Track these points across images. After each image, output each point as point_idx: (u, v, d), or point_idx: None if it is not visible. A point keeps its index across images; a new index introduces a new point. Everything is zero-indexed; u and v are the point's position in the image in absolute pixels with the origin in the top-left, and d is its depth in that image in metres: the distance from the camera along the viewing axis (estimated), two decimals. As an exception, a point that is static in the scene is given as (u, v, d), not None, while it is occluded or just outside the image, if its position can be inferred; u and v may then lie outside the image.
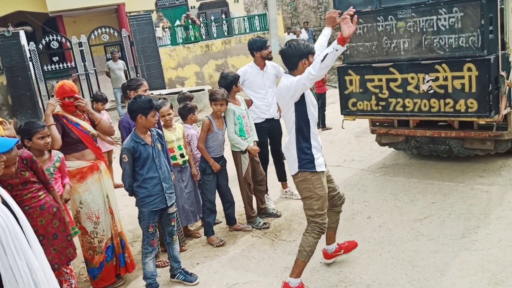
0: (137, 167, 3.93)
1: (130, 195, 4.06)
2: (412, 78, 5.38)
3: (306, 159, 3.58)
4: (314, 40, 19.01)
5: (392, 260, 4.12)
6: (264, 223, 5.20)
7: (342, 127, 6.75)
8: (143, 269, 4.12)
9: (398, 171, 6.30)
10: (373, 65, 5.60)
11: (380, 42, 5.55)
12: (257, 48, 5.44)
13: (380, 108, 5.70)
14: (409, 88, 5.42)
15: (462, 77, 5.11)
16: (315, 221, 3.65)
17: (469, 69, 5.02)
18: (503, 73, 5.04)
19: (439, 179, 5.74)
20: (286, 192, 5.94)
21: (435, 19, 5.12)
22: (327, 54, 3.20)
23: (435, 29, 5.18)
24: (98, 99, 6.84)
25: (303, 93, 3.48)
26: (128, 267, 4.44)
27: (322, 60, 3.21)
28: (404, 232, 4.58)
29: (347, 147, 7.82)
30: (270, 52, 5.50)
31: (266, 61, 5.54)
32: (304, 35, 17.33)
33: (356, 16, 3.32)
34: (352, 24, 3.21)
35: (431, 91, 5.32)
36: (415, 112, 5.47)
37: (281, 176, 5.95)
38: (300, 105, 3.50)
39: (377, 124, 6.31)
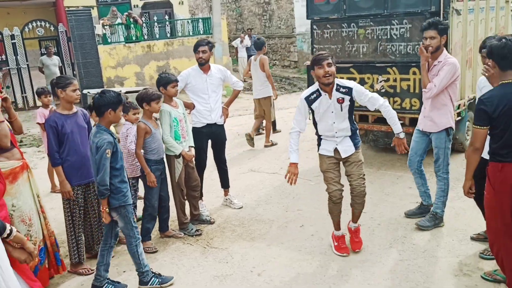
0: (113, 162, 3.77)
1: (105, 196, 3.74)
2: (368, 78, 6.25)
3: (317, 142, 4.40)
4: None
5: (321, 269, 4.15)
6: (197, 230, 5.09)
7: (309, 119, 6.84)
8: (142, 260, 3.98)
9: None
10: (337, 65, 6.03)
11: (343, 46, 6.41)
12: (194, 51, 5.35)
13: None
14: (365, 86, 5.90)
15: (408, 79, 5.97)
16: (326, 190, 4.36)
17: (414, 73, 5.91)
18: None
19: (371, 189, 5.87)
20: (226, 199, 5.84)
21: (389, 29, 6.04)
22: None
23: (389, 37, 6.06)
24: (41, 92, 6.48)
25: (313, 112, 4.21)
26: (63, 266, 4.28)
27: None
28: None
29: (284, 154, 7.85)
30: (201, 58, 5.26)
31: (212, 65, 5.41)
32: (247, 41, 17.37)
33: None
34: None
35: (383, 90, 6.11)
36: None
37: (223, 183, 5.84)
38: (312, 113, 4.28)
39: None
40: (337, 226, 4.47)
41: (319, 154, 4.33)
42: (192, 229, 5.09)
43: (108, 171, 3.73)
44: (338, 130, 4.15)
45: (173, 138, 4.84)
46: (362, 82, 6.12)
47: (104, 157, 3.68)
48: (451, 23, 5.81)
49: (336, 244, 4.44)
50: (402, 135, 4.25)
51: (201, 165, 5.47)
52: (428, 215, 4.77)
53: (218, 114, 5.46)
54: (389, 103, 5.59)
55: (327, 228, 4.90)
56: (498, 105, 3.20)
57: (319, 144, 4.35)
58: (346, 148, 4.21)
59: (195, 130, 5.27)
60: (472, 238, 4.45)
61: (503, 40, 3.29)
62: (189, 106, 5.35)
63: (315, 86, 4.13)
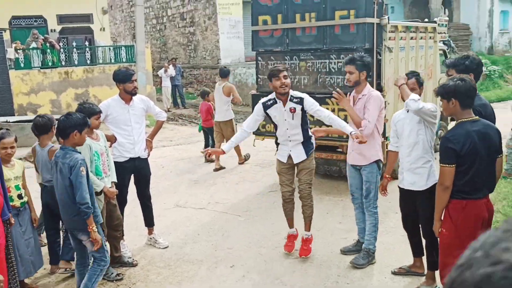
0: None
1: (88, 215, 3.74)
2: None
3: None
4: (182, 76, 18.89)
5: (255, 314, 3.90)
6: (118, 274, 4.65)
7: (254, 145, 7.60)
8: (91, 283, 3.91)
9: (262, 214, 6.22)
10: None
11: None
12: (120, 80, 4.92)
13: None
14: (307, 115, 6.04)
15: (345, 110, 5.92)
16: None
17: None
18: None
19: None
20: (150, 239, 5.43)
21: (327, 62, 6.37)
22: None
23: (327, 70, 6.42)
24: None
25: (270, 116, 4.74)
26: None
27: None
28: (268, 283, 4.40)
29: (212, 188, 7.59)
30: (135, 88, 4.96)
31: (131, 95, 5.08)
32: (171, 71, 17.08)
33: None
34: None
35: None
36: None
37: (148, 222, 5.44)
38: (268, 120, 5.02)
39: None
40: (290, 223, 5.07)
41: (276, 158, 4.96)
42: (112, 273, 4.63)
43: (86, 188, 3.73)
44: (291, 135, 4.69)
45: (94, 173, 4.41)
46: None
47: (80, 175, 3.68)
48: (384, 59, 6.29)
49: (286, 240, 5.09)
50: (354, 132, 4.34)
51: (122, 202, 5.06)
52: (362, 252, 4.70)
53: (142, 147, 5.12)
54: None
55: (259, 268, 4.68)
56: (465, 143, 3.25)
57: (277, 149, 5.02)
58: (298, 154, 4.76)
59: (117, 165, 4.88)
60: (394, 273, 4.45)
61: (467, 80, 3.35)
62: (110, 139, 4.96)
63: (273, 95, 4.68)
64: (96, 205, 3.96)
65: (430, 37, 7.76)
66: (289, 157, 4.79)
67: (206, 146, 9.36)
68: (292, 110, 4.59)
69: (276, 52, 6.87)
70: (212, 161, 9.09)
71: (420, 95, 4.11)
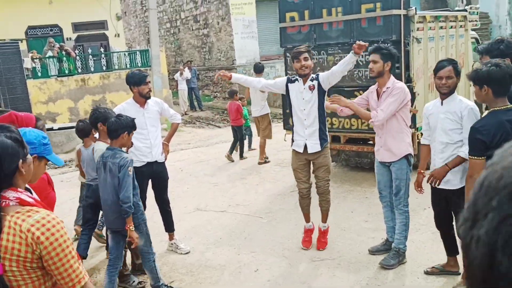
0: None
1: (129, 214, 3.85)
2: None
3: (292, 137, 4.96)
4: (198, 79, 18.82)
5: (282, 321, 3.72)
6: (139, 282, 4.53)
7: (285, 140, 7.73)
8: (159, 274, 4.19)
9: (285, 215, 6.04)
10: None
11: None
12: (134, 83, 4.79)
13: None
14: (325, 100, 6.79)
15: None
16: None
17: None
18: None
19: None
20: (171, 244, 5.30)
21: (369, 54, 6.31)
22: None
23: (355, 63, 6.12)
24: None
25: (289, 93, 4.77)
26: None
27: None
28: None
29: (231, 190, 7.44)
30: (150, 90, 4.84)
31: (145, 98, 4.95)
32: (187, 73, 17.01)
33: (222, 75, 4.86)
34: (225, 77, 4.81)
35: (351, 113, 6.07)
36: (340, 129, 6.88)
37: (167, 227, 5.31)
38: (286, 97, 4.88)
39: None
40: (306, 218, 5.10)
41: (292, 149, 4.90)
42: (134, 281, 4.52)
43: (131, 188, 3.83)
44: (307, 118, 4.65)
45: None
46: None
47: (127, 175, 3.80)
48: (412, 50, 6.35)
49: (303, 235, 5.10)
50: (354, 54, 4.42)
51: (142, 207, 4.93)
52: (391, 252, 4.48)
53: (159, 151, 4.99)
54: (357, 124, 6.71)
55: (284, 272, 4.51)
56: (496, 133, 3.03)
57: (293, 140, 4.88)
58: (313, 145, 4.70)
59: (135, 170, 4.75)
60: (427, 273, 4.22)
61: (502, 65, 3.10)
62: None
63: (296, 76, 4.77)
64: (140, 203, 4.10)
65: (461, 25, 7.72)
66: (305, 147, 4.76)
67: (233, 146, 9.38)
68: (311, 87, 4.64)
69: None
70: (232, 161, 9.17)
71: (457, 84, 3.84)
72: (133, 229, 3.88)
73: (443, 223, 4.05)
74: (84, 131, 4.91)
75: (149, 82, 4.86)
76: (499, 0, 20.92)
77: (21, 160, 1.78)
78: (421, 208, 5.73)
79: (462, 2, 21.59)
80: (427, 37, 6.69)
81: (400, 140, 4.35)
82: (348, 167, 7.92)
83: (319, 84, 4.63)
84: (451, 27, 7.40)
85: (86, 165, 4.89)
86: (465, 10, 8.09)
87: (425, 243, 4.85)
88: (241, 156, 9.40)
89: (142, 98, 4.84)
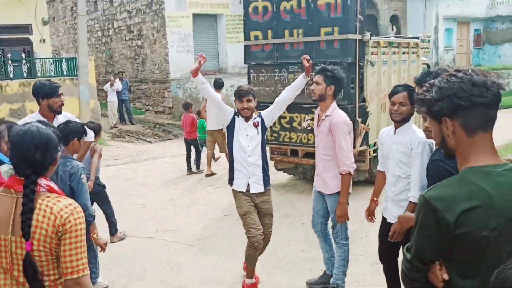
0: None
1: (90, 222, 3.68)
2: (297, 117, 6.99)
3: (230, 175, 4.41)
4: (130, 91, 18.03)
5: None
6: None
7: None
8: None
9: (218, 243, 5.62)
10: (269, 105, 7.17)
11: (275, 88, 7.08)
12: (44, 95, 4.13)
13: (273, 138, 7.28)
14: (294, 124, 7.04)
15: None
16: (246, 235, 4.31)
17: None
18: (359, 119, 6.63)
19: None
20: None
21: (313, 75, 6.35)
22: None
23: (314, 82, 6.39)
24: None
25: (234, 126, 4.29)
26: None
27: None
28: (226, 328, 3.80)
29: (160, 213, 6.90)
30: (62, 104, 4.22)
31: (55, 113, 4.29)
32: (118, 85, 16.21)
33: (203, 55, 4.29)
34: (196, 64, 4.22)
35: (309, 128, 6.78)
36: (298, 143, 7.11)
37: None
38: (229, 130, 4.37)
39: (275, 153, 7.67)
40: (252, 273, 4.41)
41: (233, 190, 4.35)
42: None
43: (88, 196, 3.73)
44: (252, 154, 4.24)
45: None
46: (291, 120, 7.07)
47: (81, 182, 3.67)
48: (366, 73, 6.80)
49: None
50: (305, 76, 4.40)
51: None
52: (329, 287, 4.19)
53: None
54: (313, 138, 6.32)
55: (216, 310, 4.08)
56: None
57: (231, 179, 4.36)
58: (257, 185, 4.29)
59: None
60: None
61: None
62: None
63: None
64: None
65: (413, 52, 8.30)
66: (248, 187, 4.28)
67: (188, 160, 9.30)
68: (256, 124, 4.31)
69: (266, 65, 7.29)
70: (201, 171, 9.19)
71: (412, 112, 3.52)
72: (98, 236, 3.79)
73: (388, 257, 3.80)
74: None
75: (62, 94, 4.24)
76: (425, 30, 21.95)
77: (59, 153, 2.04)
78: (358, 236, 5.54)
79: (393, 29, 22.50)
80: (380, 61, 7.15)
81: (336, 175, 4.07)
82: (285, 188, 7.76)
83: (262, 120, 4.35)
84: (404, 52, 7.93)
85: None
86: (418, 38, 8.68)
87: (364, 275, 4.62)
88: (198, 168, 9.30)
89: (51, 113, 4.21)
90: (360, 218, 4.80)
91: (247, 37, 7.50)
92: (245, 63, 7.74)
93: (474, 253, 1.23)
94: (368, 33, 6.73)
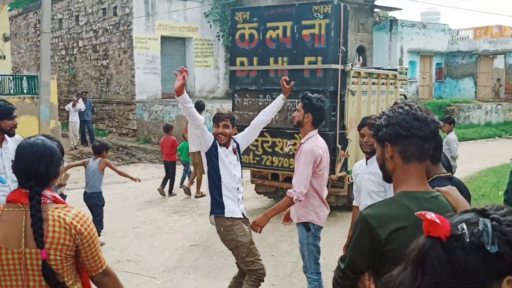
0: None
1: None
2: (279, 141, 7.18)
3: (215, 204, 3.93)
4: (93, 111, 17.50)
5: None
6: None
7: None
8: None
9: (183, 275, 5.30)
10: None
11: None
12: None
13: (255, 162, 7.39)
14: (276, 149, 7.19)
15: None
16: (249, 269, 3.84)
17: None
18: (339, 146, 6.85)
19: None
20: None
21: (296, 102, 6.20)
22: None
23: (296, 109, 6.44)
24: None
25: (215, 148, 3.93)
26: None
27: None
28: None
29: (122, 242, 6.52)
30: (15, 126, 3.98)
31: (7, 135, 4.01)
32: (81, 105, 15.71)
33: (186, 70, 3.74)
34: (181, 78, 3.66)
35: (291, 153, 6.95)
36: (279, 167, 7.25)
37: None
38: (210, 157, 3.94)
39: (256, 176, 7.83)
40: None
41: (229, 218, 3.89)
42: None
43: None
44: (239, 182, 4.02)
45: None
46: (273, 144, 7.24)
47: None
48: (347, 101, 7.09)
49: None
50: (283, 98, 4.38)
51: None
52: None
53: None
54: (294, 163, 6.68)
55: None
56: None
57: (220, 207, 3.91)
58: (243, 210, 4.07)
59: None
60: None
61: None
62: None
63: None
64: None
65: (391, 83, 8.61)
66: (243, 214, 4.02)
67: (166, 181, 9.24)
68: (235, 151, 4.09)
69: (251, 91, 7.47)
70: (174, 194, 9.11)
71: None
72: None
73: None
74: (98, 149, 6.48)
75: (16, 117, 3.99)
76: (391, 62, 22.52)
77: (61, 166, 2.13)
78: (329, 270, 5.33)
79: (359, 60, 22.95)
80: (360, 91, 7.42)
81: (303, 205, 3.91)
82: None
83: (237, 146, 4.14)
84: (383, 83, 8.25)
85: (89, 176, 6.28)
86: (396, 70, 9.04)
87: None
88: (170, 192, 9.23)
89: (2, 134, 3.94)
90: (329, 250, 4.61)
91: (233, 63, 7.74)
92: (230, 87, 8.02)
93: None
94: (350, 64, 7.03)
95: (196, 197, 8.86)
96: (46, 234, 1.95)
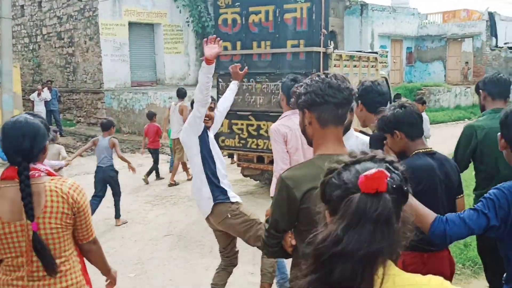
0: None
1: None
2: (264, 124, 7.21)
3: (217, 191, 3.68)
4: (59, 101, 16.92)
5: None
6: None
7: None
8: None
9: (158, 267, 5.10)
10: (238, 112, 7.37)
11: (244, 97, 7.47)
12: None
13: (241, 145, 7.54)
14: (261, 132, 7.28)
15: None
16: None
17: None
18: None
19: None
20: None
21: (280, 84, 6.61)
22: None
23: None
24: None
25: (206, 132, 3.71)
26: None
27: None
28: None
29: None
30: None
31: None
32: (46, 94, 15.14)
33: (219, 39, 3.63)
34: (216, 46, 3.55)
35: None
36: (264, 150, 7.31)
37: None
38: (203, 141, 3.67)
39: (242, 159, 7.86)
40: None
41: (236, 202, 3.72)
42: None
43: None
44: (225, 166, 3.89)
45: None
46: (258, 127, 7.35)
47: None
48: None
49: None
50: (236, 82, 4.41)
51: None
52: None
53: None
54: None
55: None
56: (421, 179, 2.54)
57: (224, 192, 3.69)
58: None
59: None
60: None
61: (406, 107, 2.75)
62: None
63: None
64: None
65: (372, 65, 8.68)
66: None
67: (153, 169, 9.27)
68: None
69: None
70: (147, 183, 8.98)
71: (351, 121, 3.41)
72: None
73: None
74: (105, 125, 6.61)
75: None
76: (362, 46, 22.50)
77: (47, 141, 2.23)
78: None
79: (330, 44, 22.89)
80: (342, 73, 7.28)
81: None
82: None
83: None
84: (364, 66, 8.33)
85: (99, 152, 6.53)
86: (376, 53, 9.20)
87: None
88: (158, 177, 9.34)
89: None
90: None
91: None
92: (214, 72, 7.70)
93: (313, 225, 1.42)
94: (332, 46, 7.08)
95: (169, 185, 8.70)
96: (45, 204, 2.09)
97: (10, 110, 12.00)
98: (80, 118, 18.22)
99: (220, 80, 7.80)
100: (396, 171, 1.21)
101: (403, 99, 2.90)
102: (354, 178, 1.19)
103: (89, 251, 2.33)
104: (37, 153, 2.16)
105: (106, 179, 6.53)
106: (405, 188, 1.20)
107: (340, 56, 7.50)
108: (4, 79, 12.01)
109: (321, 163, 1.75)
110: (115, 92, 16.52)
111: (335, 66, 7.21)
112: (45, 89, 15.41)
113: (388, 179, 1.16)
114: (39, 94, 15.05)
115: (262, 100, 7.37)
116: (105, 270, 2.57)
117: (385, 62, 9.47)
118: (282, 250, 2.08)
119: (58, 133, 6.63)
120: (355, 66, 7.98)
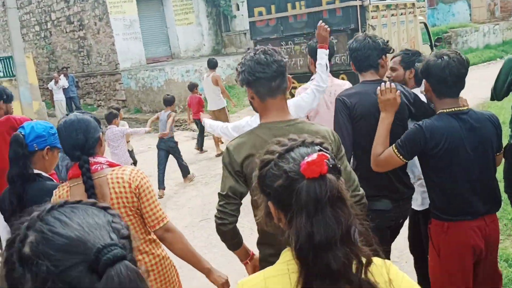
0: None
1: None
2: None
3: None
4: (77, 87, 16.70)
5: None
6: None
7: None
8: None
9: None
10: None
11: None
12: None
13: None
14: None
15: None
16: None
17: (342, 79, 6.21)
18: None
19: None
20: None
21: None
22: (325, 63, 3.78)
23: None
24: None
25: None
26: None
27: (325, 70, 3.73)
28: None
29: (126, 225, 6.03)
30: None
31: None
32: (63, 81, 14.91)
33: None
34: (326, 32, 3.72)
35: None
36: None
37: None
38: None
39: None
40: None
41: None
42: None
43: None
44: None
45: None
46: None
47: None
48: None
49: None
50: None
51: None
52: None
53: None
54: None
55: None
56: (438, 142, 2.45)
57: None
58: None
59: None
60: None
61: (444, 57, 2.48)
62: None
63: None
64: None
65: (410, 12, 8.44)
66: None
67: (202, 139, 9.55)
68: None
69: (273, 39, 7.49)
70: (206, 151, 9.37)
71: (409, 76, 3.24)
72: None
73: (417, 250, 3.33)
74: (168, 101, 7.50)
75: None
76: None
77: (101, 133, 2.29)
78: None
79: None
80: (381, 24, 7.37)
81: None
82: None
83: None
84: (402, 14, 8.11)
85: (164, 126, 7.30)
86: None
87: None
88: (201, 149, 9.56)
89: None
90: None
91: (251, 14, 7.89)
92: (251, 39, 8.14)
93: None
94: None
95: (217, 155, 8.86)
96: (110, 196, 2.15)
97: (29, 102, 11.81)
98: (100, 101, 18.02)
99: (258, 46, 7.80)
100: (327, 151, 1.25)
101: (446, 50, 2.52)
102: (295, 166, 1.21)
103: (164, 239, 2.29)
104: (93, 145, 2.21)
105: (167, 150, 7.21)
106: (338, 165, 1.25)
107: (377, 7, 7.31)
108: (18, 72, 11.78)
109: (261, 132, 2.07)
110: (132, 72, 16.18)
111: (372, 18, 7.05)
112: (62, 76, 15.20)
113: (325, 160, 1.19)
114: (56, 82, 14.83)
115: (303, 61, 7.23)
116: (199, 266, 2.48)
117: (423, 7, 9.39)
118: (237, 234, 2.30)
119: (119, 110, 6.99)
120: (392, 15, 7.77)
